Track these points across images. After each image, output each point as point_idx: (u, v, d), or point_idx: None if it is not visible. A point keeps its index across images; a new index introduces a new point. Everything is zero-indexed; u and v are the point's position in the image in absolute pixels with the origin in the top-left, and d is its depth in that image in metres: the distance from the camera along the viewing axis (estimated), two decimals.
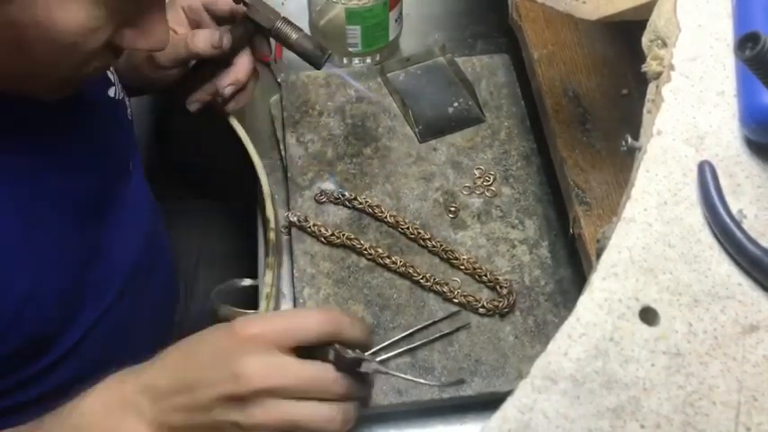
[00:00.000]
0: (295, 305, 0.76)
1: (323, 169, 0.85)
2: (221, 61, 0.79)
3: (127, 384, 0.56)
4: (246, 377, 0.53)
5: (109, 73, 0.73)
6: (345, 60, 0.97)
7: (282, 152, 0.88)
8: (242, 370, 0.54)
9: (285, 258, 0.82)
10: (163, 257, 0.85)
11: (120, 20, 0.55)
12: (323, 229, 0.79)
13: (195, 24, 0.79)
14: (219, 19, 0.79)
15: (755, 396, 0.45)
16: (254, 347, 0.55)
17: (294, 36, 0.76)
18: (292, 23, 0.77)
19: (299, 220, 0.80)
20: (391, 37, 0.97)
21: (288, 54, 1.00)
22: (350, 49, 0.96)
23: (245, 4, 0.75)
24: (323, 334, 0.57)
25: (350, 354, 0.57)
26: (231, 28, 0.77)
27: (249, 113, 0.95)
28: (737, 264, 0.50)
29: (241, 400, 0.54)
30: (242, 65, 0.79)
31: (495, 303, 0.74)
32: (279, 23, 0.76)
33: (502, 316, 0.75)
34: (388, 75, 0.92)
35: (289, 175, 0.85)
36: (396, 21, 0.96)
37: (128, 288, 0.74)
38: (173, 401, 0.55)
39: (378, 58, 0.98)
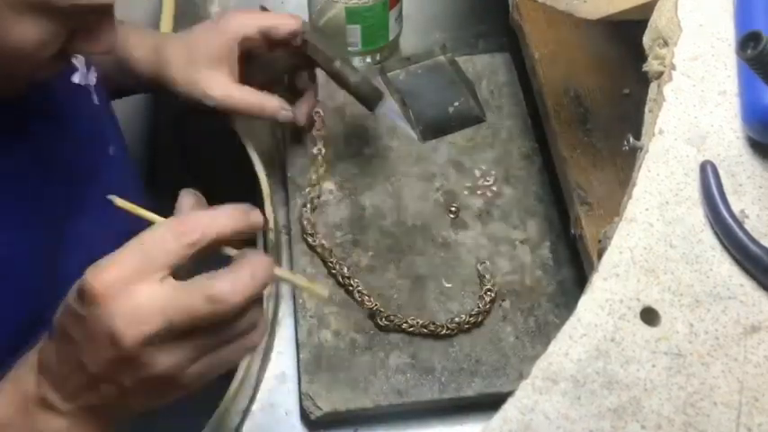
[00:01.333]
0: (295, 305, 0.76)
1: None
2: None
3: (25, 380, 0.51)
4: (118, 334, 0.45)
5: (74, 60, 0.73)
6: None
7: (282, 152, 0.88)
8: (112, 329, 0.45)
9: (285, 258, 0.81)
10: None
11: (71, 29, 0.55)
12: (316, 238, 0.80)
13: (246, 52, 0.78)
14: (274, 44, 0.77)
15: (757, 397, 0.45)
16: (112, 296, 0.45)
17: (353, 79, 0.75)
18: (351, 65, 0.75)
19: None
20: (391, 36, 0.97)
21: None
22: (350, 49, 0.95)
23: (304, 41, 0.74)
24: (183, 249, 0.47)
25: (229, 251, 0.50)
26: (287, 56, 0.78)
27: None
28: (739, 264, 0.50)
29: (131, 360, 0.46)
30: (310, 96, 0.82)
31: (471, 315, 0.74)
32: (338, 64, 0.74)
33: (477, 326, 0.74)
34: (388, 74, 0.92)
35: (289, 175, 0.85)
36: (396, 20, 0.96)
37: None
38: (73, 384, 0.49)
39: (378, 58, 0.98)
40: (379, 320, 0.74)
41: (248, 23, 0.77)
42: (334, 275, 0.77)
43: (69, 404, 0.50)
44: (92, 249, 0.69)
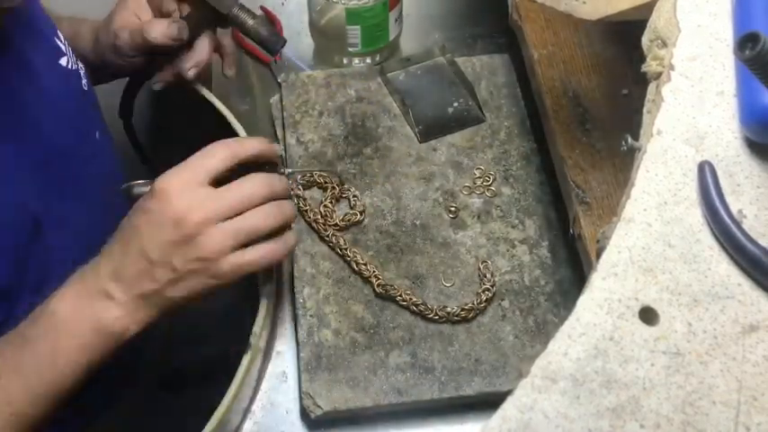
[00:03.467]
0: (295, 304, 0.76)
1: (323, 169, 0.85)
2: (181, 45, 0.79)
3: (88, 278, 0.61)
4: (183, 216, 0.59)
5: (60, 43, 0.74)
6: (345, 60, 0.97)
7: (282, 152, 0.88)
8: (178, 213, 0.59)
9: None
10: None
11: None
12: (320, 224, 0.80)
13: (156, 7, 0.79)
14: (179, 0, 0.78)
15: (755, 396, 0.46)
16: (178, 192, 0.60)
17: (251, 22, 0.76)
18: (248, 10, 0.76)
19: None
20: (391, 37, 0.97)
21: (288, 54, 1.00)
22: (350, 49, 0.96)
23: None
24: (227, 158, 0.62)
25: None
26: (188, 14, 0.77)
27: (249, 114, 0.95)
28: (737, 264, 0.50)
29: (191, 238, 0.59)
30: (202, 47, 0.79)
31: (467, 308, 0.75)
32: (235, 9, 0.75)
33: (467, 321, 0.75)
34: (388, 75, 0.92)
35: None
36: (396, 21, 0.96)
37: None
38: (133, 272, 0.60)
39: (378, 58, 0.98)
40: (376, 288, 0.76)
41: None
42: (332, 248, 0.80)
43: (126, 294, 0.60)
44: (77, 229, 0.70)
